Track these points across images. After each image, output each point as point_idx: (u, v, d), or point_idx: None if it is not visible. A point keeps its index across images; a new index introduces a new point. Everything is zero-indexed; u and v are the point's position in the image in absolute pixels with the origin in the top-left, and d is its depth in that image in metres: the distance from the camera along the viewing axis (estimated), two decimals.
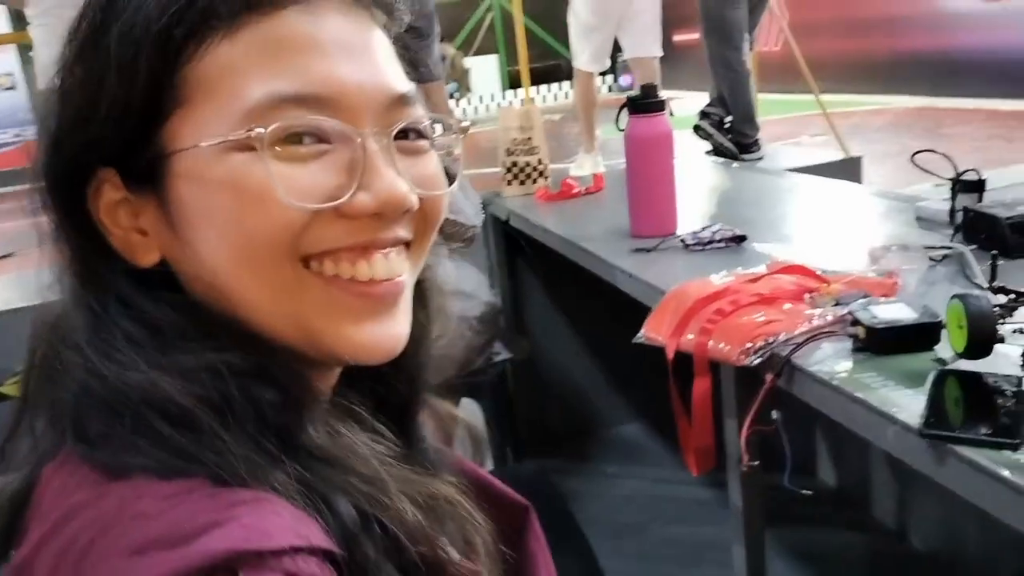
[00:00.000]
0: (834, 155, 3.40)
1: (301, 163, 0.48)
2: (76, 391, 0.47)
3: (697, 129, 3.29)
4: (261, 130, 0.46)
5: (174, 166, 0.48)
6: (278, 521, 0.41)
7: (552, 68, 8.59)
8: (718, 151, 3.19)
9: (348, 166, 0.49)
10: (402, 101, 0.52)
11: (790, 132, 5.56)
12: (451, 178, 0.56)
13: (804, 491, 1.09)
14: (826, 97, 4.06)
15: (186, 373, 0.46)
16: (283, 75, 0.47)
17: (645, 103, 1.57)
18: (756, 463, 1.13)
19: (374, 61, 0.51)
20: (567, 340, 2.48)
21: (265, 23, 0.48)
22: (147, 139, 0.49)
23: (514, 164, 2.27)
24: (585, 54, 3.41)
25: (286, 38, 0.48)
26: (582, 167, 2.97)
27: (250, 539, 0.39)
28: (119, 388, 0.46)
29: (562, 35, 3.90)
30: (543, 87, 9.06)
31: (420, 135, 0.53)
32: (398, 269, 0.52)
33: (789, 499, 1.12)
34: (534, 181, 2.26)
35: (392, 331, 0.52)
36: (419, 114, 0.53)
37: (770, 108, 4.86)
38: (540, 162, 2.28)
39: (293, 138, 0.48)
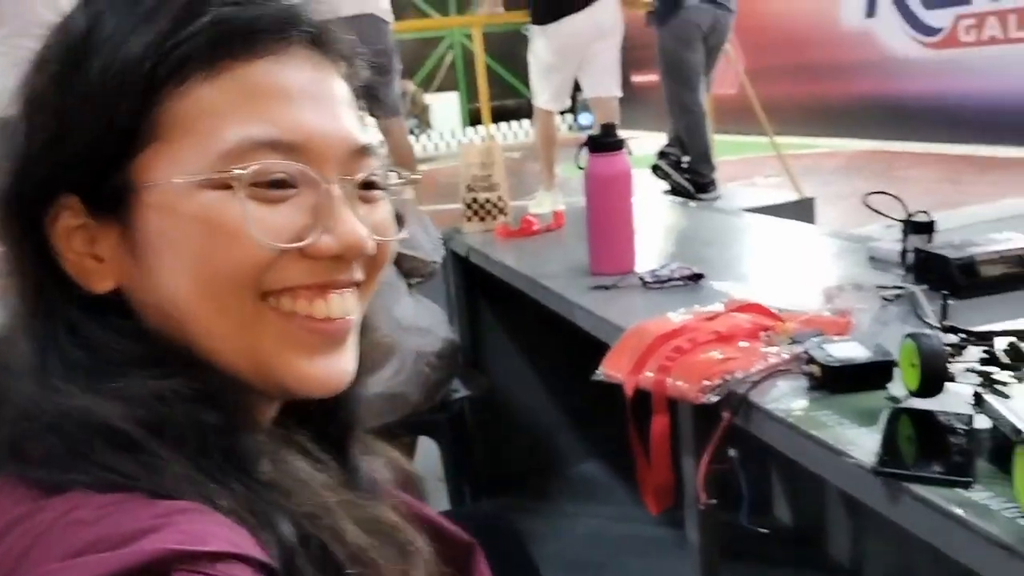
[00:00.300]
0: (788, 196, 3.47)
1: (272, 204, 0.50)
2: (16, 418, 0.47)
3: (655, 169, 3.34)
4: (241, 171, 0.49)
5: (145, 197, 0.50)
6: (213, 529, 0.42)
7: (513, 106, 8.69)
8: (676, 191, 3.24)
9: (313, 210, 0.51)
10: (363, 151, 0.55)
11: (745, 173, 5.66)
12: (400, 222, 0.59)
13: (760, 530, 1.09)
14: (780, 139, 4.14)
15: (129, 399, 0.47)
16: (259, 121, 0.50)
17: (604, 142, 1.59)
18: (713, 501, 1.13)
19: (338, 112, 0.54)
20: (526, 377, 2.47)
21: (242, 70, 0.51)
22: (117, 169, 0.50)
23: (474, 200, 2.28)
24: (545, 93, 3.46)
25: (261, 86, 0.51)
26: (542, 204, 2.99)
27: (184, 542, 0.40)
28: (60, 414, 0.46)
29: (523, 74, 3.95)
30: (504, 125, 9.17)
31: (375, 185, 0.57)
32: (351, 308, 0.55)
33: (746, 537, 1.12)
34: (494, 218, 2.27)
35: (342, 366, 0.55)
36: (376, 164, 0.57)
37: (726, 149, 4.95)
38: (500, 199, 2.29)
39: (266, 180, 0.50)
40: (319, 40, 0.55)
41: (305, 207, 0.51)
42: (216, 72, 0.50)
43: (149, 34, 0.50)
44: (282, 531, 0.46)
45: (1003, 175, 5.58)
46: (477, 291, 2.37)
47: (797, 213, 3.13)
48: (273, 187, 0.50)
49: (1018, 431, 0.73)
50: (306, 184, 0.52)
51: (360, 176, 0.55)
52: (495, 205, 2.28)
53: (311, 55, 0.54)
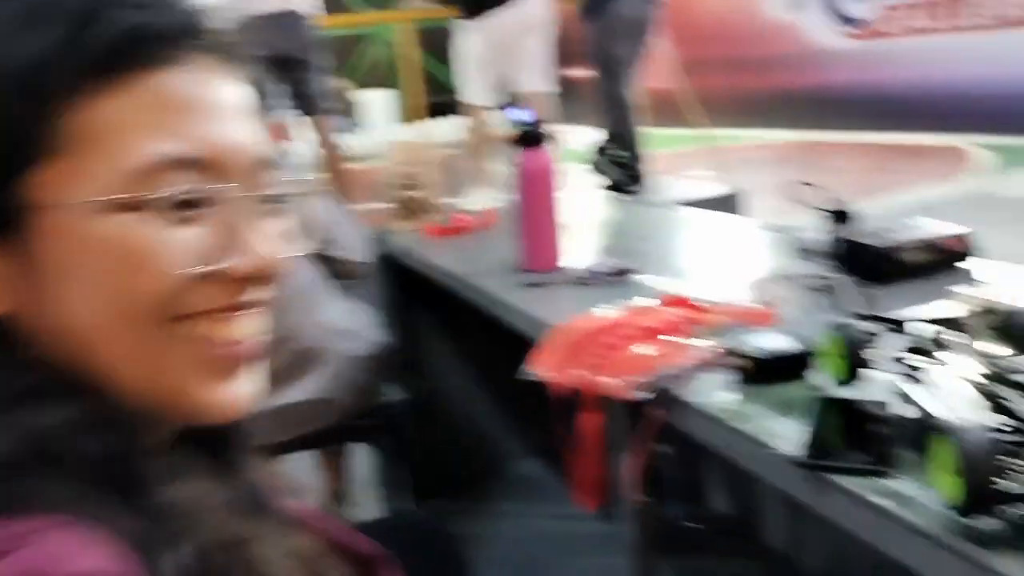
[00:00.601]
0: (722, 188, 3.51)
1: (184, 226, 0.48)
2: None
3: (593, 163, 3.34)
4: (157, 194, 0.47)
5: (45, 217, 0.46)
6: (73, 549, 0.39)
7: (449, 102, 8.62)
8: (612, 185, 3.25)
9: (224, 229, 0.50)
10: (269, 163, 0.53)
11: (680, 166, 5.72)
12: (305, 232, 0.57)
13: (694, 524, 1.09)
14: (714, 132, 4.20)
15: (13, 429, 0.43)
16: (168, 136, 0.47)
17: (528, 137, 1.57)
18: (647, 496, 1.13)
19: (245, 122, 0.52)
20: (464, 378, 2.44)
21: (150, 80, 0.47)
22: (7, 186, 0.46)
23: (405, 199, 2.25)
24: (474, 88, 3.45)
25: (169, 98, 0.48)
26: (474, 202, 2.97)
27: (36, 564, 0.38)
28: None
29: None
30: (440, 121, 9.09)
31: (279, 197, 0.54)
32: (261, 328, 0.53)
33: (683, 529, 1.12)
34: (426, 216, 2.23)
35: (250, 389, 0.53)
36: (279, 176, 0.54)
37: (662, 142, 4.99)
38: (431, 197, 2.26)
39: (177, 201, 0.48)
40: (224, 47, 0.52)
41: (216, 227, 0.49)
42: (120, 82, 0.47)
43: (44, 38, 0.46)
44: (181, 558, 0.43)
45: (927, 162, 5.74)
46: (411, 292, 2.33)
47: (730, 205, 3.17)
48: (183, 207, 0.48)
49: (931, 418, 0.74)
50: (219, 202, 0.49)
51: (267, 190, 0.53)
52: (426, 203, 2.25)
53: (216, 63, 0.51)
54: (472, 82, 3.46)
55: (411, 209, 2.25)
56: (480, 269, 1.69)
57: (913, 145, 6.22)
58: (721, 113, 6.30)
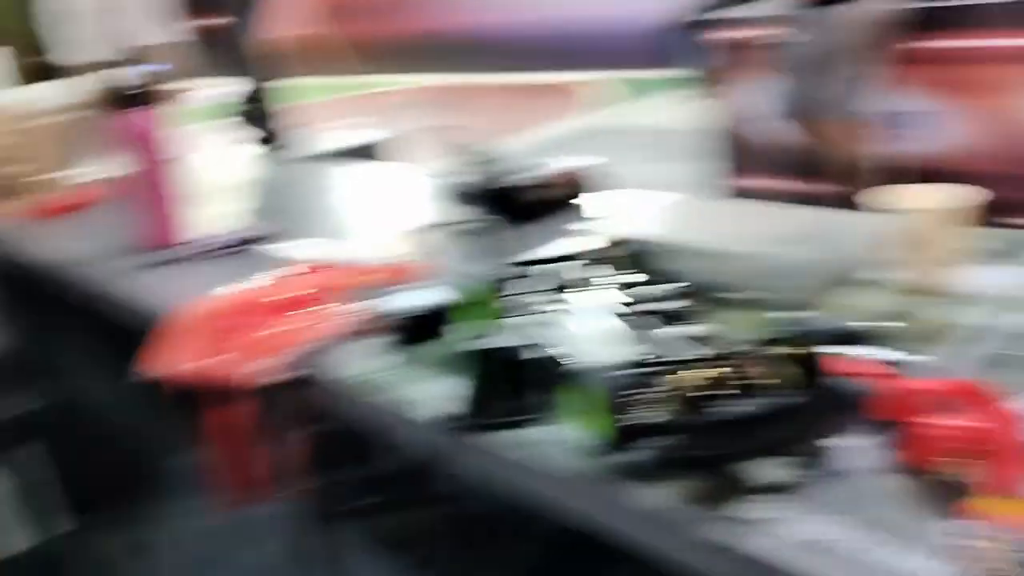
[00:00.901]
0: (374, 136, 3.44)
1: None
2: None
3: (233, 118, 3.13)
4: None
5: None
6: None
7: (58, 62, 7.67)
8: (255, 140, 3.06)
9: None
10: None
11: (331, 115, 5.57)
12: None
13: (363, 490, 1.05)
14: (365, 79, 4.12)
15: None
16: None
17: (130, 97, 1.37)
18: (311, 474, 1.04)
19: None
20: (105, 374, 2.16)
21: None
22: None
23: (4, 176, 1.92)
24: (75, 44, 3.08)
25: None
26: (90, 174, 2.65)
27: None
28: None
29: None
30: (47, 84, 8.06)
31: None
32: None
33: (350, 499, 1.06)
34: (30, 196, 1.92)
35: None
36: None
37: (310, 92, 4.81)
38: (37, 172, 1.96)
39: None
40: None
41: None
42: None
43: None
44: None
45: (563, 98, 6.14)
46: (26, 284, 2.00)
47: (382, 153, 3.12)
48: None
49: (572, 359, 0.73)
50: None
51: None
52: (30, 180, 1.95)
53: None
54: (69, 36, 3.08)
55: (11, 188, 1.93)
56: (90, 253, 1.45)
57: (552, 83, 6.60)
58: (371, 58, 6.23)
